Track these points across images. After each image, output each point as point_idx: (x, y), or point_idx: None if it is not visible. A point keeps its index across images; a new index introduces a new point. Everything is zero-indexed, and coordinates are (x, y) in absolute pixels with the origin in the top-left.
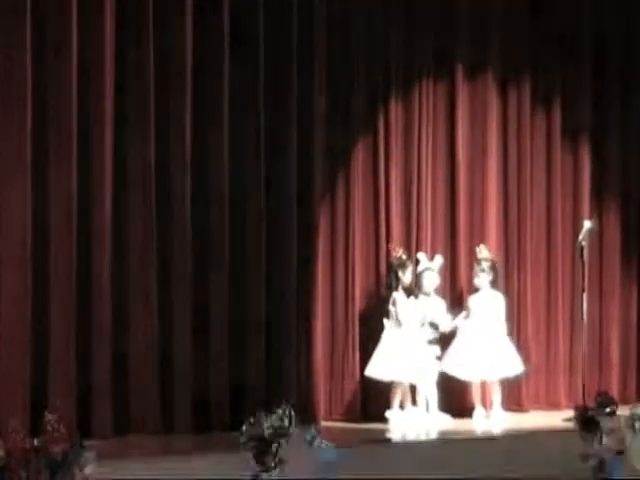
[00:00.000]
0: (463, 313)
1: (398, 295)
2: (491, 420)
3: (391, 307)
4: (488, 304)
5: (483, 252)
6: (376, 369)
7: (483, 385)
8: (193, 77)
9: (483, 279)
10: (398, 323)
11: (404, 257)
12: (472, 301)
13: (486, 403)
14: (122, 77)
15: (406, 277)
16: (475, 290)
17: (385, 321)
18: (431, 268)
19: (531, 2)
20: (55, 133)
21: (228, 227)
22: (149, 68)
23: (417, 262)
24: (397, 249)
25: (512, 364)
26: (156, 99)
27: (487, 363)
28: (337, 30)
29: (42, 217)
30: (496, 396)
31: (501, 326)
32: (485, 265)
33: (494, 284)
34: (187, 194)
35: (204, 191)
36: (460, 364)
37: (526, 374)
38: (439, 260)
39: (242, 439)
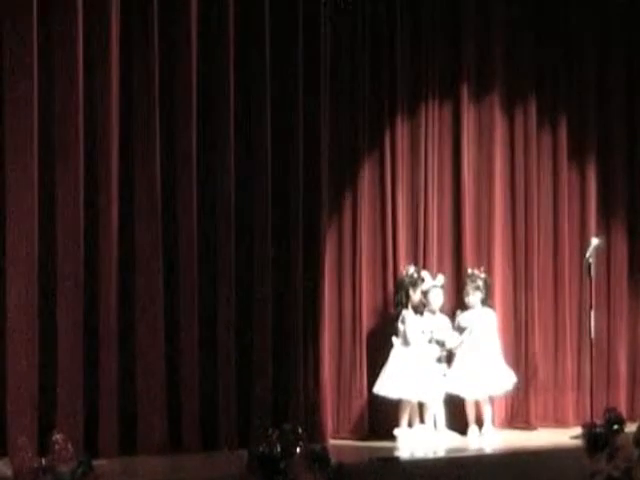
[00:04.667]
0: (468, 330)
1: (407, 313)
2: (483, 438)
3: (400, 325)
4: (482, 322)
5: (476, 270)
6: (385, 387)
7: (477, 403)
8: (199, 95)
9: (477, 297)
10: (407, 341)
11: (415, 275)
12: (464, 319)
13: (480, 421)
14: (128, 92)
15: (416, 295)
16: (465, 308)
17: (394, 339)
18: (437, 285)
19: (536, 22)
20: (61, 144)
21: (234, 243)
22: (154, 84)
23: (422, 280)
24: (408, 267)
25: (502, 381)
26: (161, 115)
27: (479, 381)
28: (343, 49)
29: (49, 231)
30: (487, 414)
31: (495, 344)
32: (480, 283)
33: (485, 301)
34: (194, 209)
35: (211, 207)
36: (458, 382)
37: (534, 391)
38: (442, 278)
39: (250, 457)
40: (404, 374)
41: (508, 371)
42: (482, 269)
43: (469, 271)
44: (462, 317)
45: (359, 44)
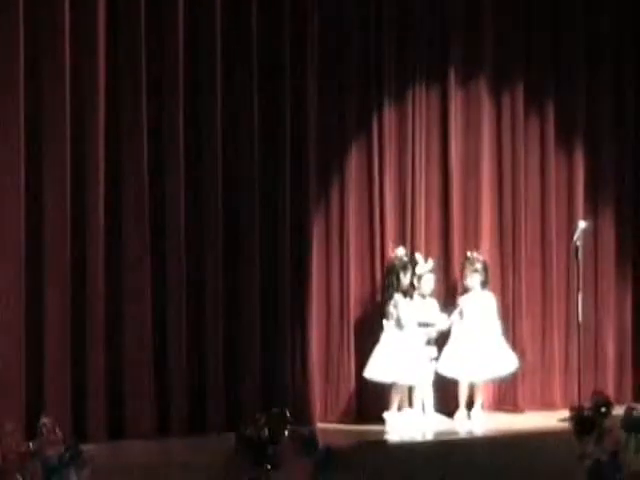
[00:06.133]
0: (457, 311)
1: (399, 296)
2: (472, 421)
3: (392, 309)
4: (481, 304)
5: (474, 253)
6: (376, 371)
7: (471, 386)
8: (185, 90)
9: (476, 280)
10: (399, 325)
11: (405, 258)
12: (463, 302)
13: (470, 404)
14: (115, 91)
15: (406, 278)
16: (465, 291)
17: (384, 322)
18: (431, 271)
19: (524, 6)
20: (49, 141)
21: (222, 232)
22: (142, 83)
23: (415, 264)
24: (398, 250)
25: (506, 363)
26: (148, 114)
27: (479, 364)
28: (330, 38)
29: (36, 226)
30: (478, 397)
31: (495, 326)
32: (478, 266)
33: (484, 284)
34: (181, 203)
35: (198, 200)
36: (453, 364)
37: (521, 374)
38: (431, 262)
39: (238, 441)
40: (396, 358)
41: (510, 354)
42: (480, 252)
43: (468, 254)
44: (461, 300)
45: (346, 28)
